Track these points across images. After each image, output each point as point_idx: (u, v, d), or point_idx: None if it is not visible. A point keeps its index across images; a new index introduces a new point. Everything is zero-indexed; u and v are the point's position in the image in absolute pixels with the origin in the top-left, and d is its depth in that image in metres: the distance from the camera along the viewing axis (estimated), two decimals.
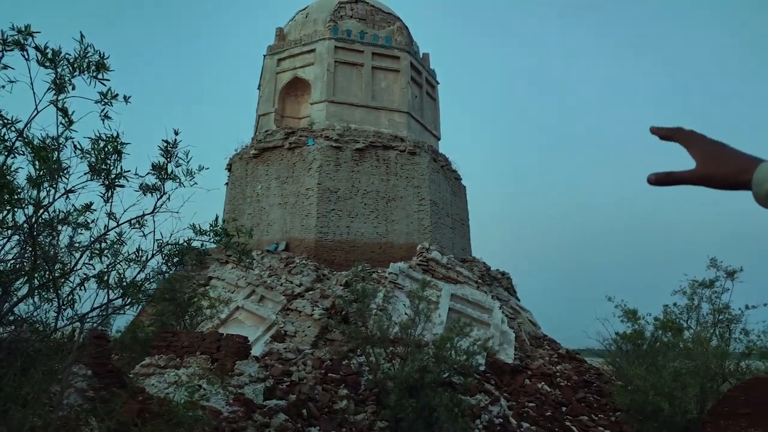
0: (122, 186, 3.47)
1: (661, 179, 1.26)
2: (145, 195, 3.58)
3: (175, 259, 3.95)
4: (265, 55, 24.74)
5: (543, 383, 14.73)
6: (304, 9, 25.90)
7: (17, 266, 3.65)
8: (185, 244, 4.03)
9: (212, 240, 3.96)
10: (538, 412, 13.35)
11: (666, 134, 1.32)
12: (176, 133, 3.48)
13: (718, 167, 1.18)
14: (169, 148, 3.52)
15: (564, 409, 13.93)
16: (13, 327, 4.46)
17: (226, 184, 23.55)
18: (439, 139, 25.98)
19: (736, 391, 10.24)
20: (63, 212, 3.86)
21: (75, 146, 3.26)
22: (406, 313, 13.23)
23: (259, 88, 25.65)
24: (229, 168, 23.67)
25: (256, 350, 14.32)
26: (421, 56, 25.82)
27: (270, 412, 9.90)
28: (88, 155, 3.28)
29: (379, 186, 20.77)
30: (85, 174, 3.35)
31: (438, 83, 27.07)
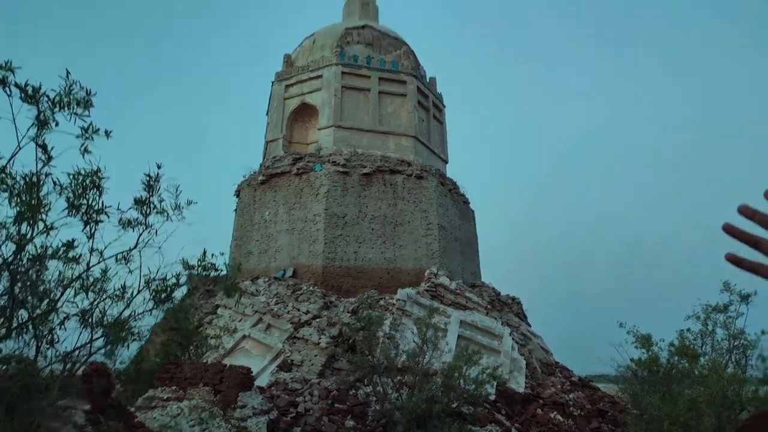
0: (101, 222, 3.40)
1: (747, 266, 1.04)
2: (125, 230, 3.50)
3: (163, 295, 3.84)
4: (273, 82, 25.01)
5: (555, 413, 14.33)
6: (311, 35, 26.21)
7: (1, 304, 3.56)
8: (174, 279, 3.94)
9: (201, 274, 3.87)
10: None
11: (749, 239, 1.06)
12: (159, 167, 3.42)
13: None
14: (151, 182, 3.46)
15: None
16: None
17: (235, 210, 23.58)
18: (446, 163, 25.93)
19: (753, 420, 9.85)
20: (50, 248, 3.79)
21: (54, 182, 3.19)
22: (414, 341, 13.00)
23: (267, 114, 25.87)
24: (238, 194, 23.73)
25: (263, 380, 14.11)
26: (427, 80, 25.94)
27: None
28: (66, 191, 3.22)
29: (387, 211, 20.68)
30: (63, 210, 3.28)
31: (444, 107, 27.13)
